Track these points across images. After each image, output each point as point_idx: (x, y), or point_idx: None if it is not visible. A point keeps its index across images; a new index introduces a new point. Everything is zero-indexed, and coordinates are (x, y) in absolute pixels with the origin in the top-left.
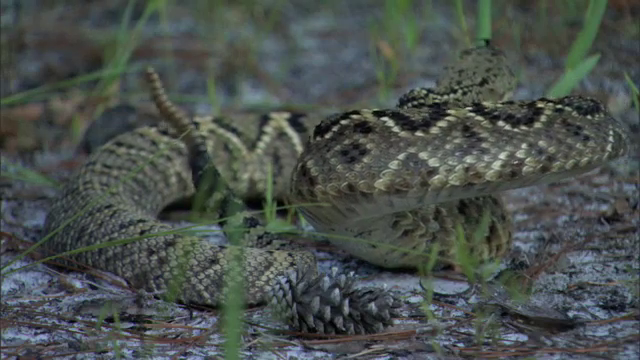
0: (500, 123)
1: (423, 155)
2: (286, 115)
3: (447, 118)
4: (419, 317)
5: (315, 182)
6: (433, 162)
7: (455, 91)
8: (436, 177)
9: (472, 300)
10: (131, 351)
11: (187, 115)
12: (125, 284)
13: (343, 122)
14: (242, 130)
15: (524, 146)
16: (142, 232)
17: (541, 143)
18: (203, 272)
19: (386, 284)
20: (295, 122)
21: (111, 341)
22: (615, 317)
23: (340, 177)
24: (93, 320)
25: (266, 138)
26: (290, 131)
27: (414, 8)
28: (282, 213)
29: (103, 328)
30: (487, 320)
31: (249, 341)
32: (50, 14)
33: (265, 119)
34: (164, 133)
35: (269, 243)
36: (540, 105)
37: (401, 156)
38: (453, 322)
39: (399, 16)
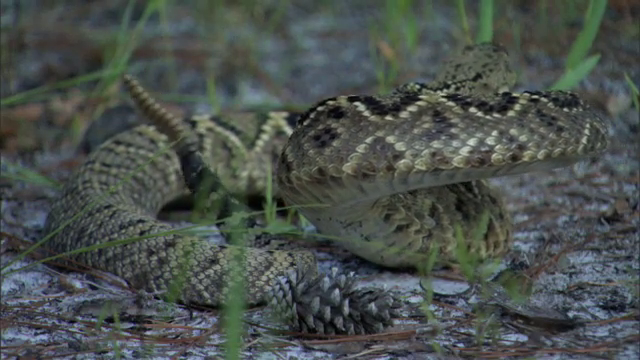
0: (472, 109)
1: (390, 139)
2: (284, 114)
3: (418, 103)
4: (419, 317)
5: (291, 168)
6: (400, 146)
7: (448, 86)
8: (402, 161)
9: (472, 300)
10: (131, 351)
11: (178, 116)
12: (125, 284)
13: (319, 108)
14: (241, 128)
15: (494, 133)
16: (142, 232)
17: (512, 131)
18: (203, 272)
19: (386, 284)
20: (293, 121)
21: (111, 341)
22: (615, 317)
23: (311, 162)
24: (93, 320)
25: (265, 136)
26: (288, 130)
27: (414, 8)
28: (282, 212)
29: (103, 328)
30: (487, 320)
31: (249, 341)
32: (50, 14)
33: (264, 118)
34: (163, 131)
35: (267, 243)
36: (516, 95)
37: (369, 140)
38: (453, 322)
39: (399, 16)
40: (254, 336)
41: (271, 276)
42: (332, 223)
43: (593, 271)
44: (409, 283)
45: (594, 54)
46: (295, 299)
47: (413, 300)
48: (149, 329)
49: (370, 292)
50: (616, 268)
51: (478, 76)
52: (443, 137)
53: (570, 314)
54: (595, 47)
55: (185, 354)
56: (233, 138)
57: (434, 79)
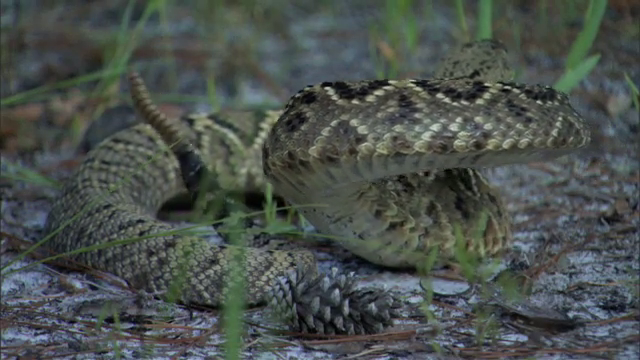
0: (439, 95)
1: (354, 122)
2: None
3: (385, 87)
4: (419, 317)
5: (267, 154)
6: (362, 129)
7: None
8: (364, 145)
9: (472, 300)
10: (131, 351)
11: (175, 116)
12: (125, 284)
13: (297, 95)
14: (238, 126)
15: (459, 120)
16: (141, 233)
17: (478, 119)
18: (203, 272)
19: (386, 284)
20: None
21: (111, 341)
22: (615, 317)
23: (282, 146)
24: (93, 320)
25: (263, 134)
26: None
27: (414, 8)
28: (282, 212)
29: (103, 328)
30: (487, 320)
31: (249, 341)
32: (50, 14)
33: (261, 116)
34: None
35: (266, 243)
36: (487, 84)
37: (333, 123)
38: (453, 322)
39: (399, 16)
40: (254, 336)
41: (271, 276)
42: (320, 217)
43: (593, 271)
44: (409, 283)
45: (594, 54)
46: (295, 299)
47: (413, 300)
48: (149, 329)
49: (370, 292)
50: (616, 268)
51: (475, 73)
52: (406, 121)
53: (570, 314)
54: (595, 47)
55: (185, 354)
56: (231, 135)
57: (432, 77)
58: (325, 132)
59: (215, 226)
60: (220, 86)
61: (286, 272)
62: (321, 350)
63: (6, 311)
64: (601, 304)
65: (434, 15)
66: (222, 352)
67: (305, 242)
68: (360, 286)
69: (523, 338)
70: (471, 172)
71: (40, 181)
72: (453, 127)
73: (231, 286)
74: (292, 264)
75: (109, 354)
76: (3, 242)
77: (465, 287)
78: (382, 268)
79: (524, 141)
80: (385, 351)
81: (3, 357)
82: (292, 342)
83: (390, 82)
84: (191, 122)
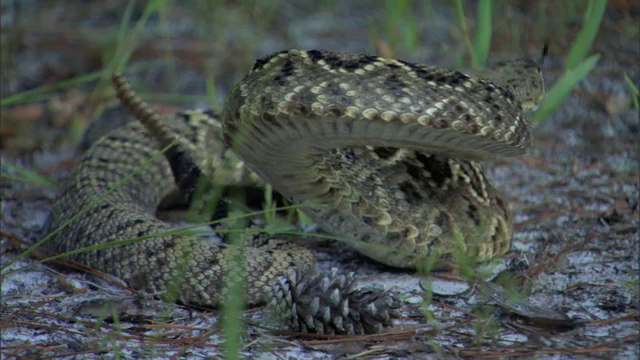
0: (320, 62)
1: (242, 87)
2: None
3: (280, 55)
4: (419, 318)
5: None
6: (244, 92)
7: None
8: (242, 107)
9: (472, 301)
10: (131, 351)
11: (169, 115)
12: (125, 284)
13: None
14: None
15: (324, 84)
16: (140, 233)
17: (343, 85)
18: (202, 273)
19: (386, 284)
20: None
21: (111, 341)
22: (615, 317)
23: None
24: (93, 320)
25: None
26: None
27: (414, 8)
28: (282, 212)
29: (103, 328)
30: (487, 321)
31: (249, 341)
32: (50, 14)
33: None
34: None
35: (265, 243)
36: (378, 58)
37: (234, 91)
38: (453, 323)
39: (399, 16)
40: (254, 336)
41: (270, 276)
42: (308, 210)
43: (593, 271)
44: (409, 283)
45: (594, 54)
46: (295, 299)
47: (413, 300)
48: (149, 329)
49: (370, 292)
50: (616, 268)
51: None
52: (277, 83)
53: (570, 314)
54: (595, 47)
55: (185, 354)
56: None
57: None
58: (227, 99)
59: (213, 226)
60: (220, 86)
61: (286, 272)
62: (321, 350)
63: (6, 311)
64: (601, 304)
65: (434, 15)
66: (222, 352)
67: (304, 242)
68: (360, 286)
69: (523, 338)
70: (481, 177)
71: (39, 181)
72: (314, 90)
73: (230, 286)
74: (292, 264)
75: (109, 354)
76: (3, 242)
77: (465, 287)
78: (382, 268)
79: (389, 113)
80: (385, 351)
81: (3, 357)
82: (292, 342)
83: (288, 51)
84: (187, 118)
